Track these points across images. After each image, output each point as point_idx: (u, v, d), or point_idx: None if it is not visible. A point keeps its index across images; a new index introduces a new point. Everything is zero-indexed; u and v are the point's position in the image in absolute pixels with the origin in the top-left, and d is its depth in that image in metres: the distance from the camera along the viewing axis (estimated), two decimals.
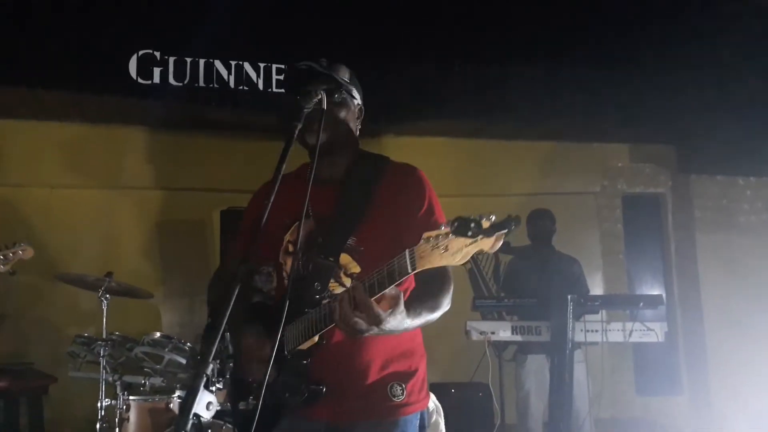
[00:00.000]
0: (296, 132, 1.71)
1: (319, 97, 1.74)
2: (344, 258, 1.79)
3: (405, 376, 1.83)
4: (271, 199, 1.57)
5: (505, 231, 1.34)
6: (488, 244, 1.34)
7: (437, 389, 4.95)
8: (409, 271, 1.44)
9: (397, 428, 1.79)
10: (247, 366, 1.82)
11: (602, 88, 5.75)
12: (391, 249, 1.67)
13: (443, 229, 1.37)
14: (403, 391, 1.80)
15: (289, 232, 1.88)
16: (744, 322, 5.89)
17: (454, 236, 1.35)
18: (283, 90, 5.40)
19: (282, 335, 1.70)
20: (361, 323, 1.50)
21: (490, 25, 5.40)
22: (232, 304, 1.42)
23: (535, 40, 5.38)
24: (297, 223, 1.81)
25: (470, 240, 1.34)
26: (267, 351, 1.70)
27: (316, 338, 1.70)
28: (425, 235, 1.42)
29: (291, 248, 1.86)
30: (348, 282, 1.77)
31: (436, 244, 1.39)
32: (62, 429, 4.51)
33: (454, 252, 1.36)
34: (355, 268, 1.79)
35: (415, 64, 5.58)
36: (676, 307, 6.38)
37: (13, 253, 3.21)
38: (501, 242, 1.35)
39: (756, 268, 6.12)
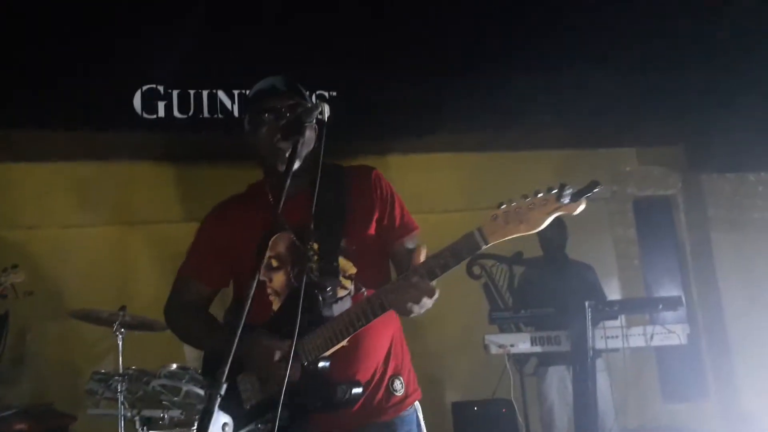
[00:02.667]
0: (299, 145, 1.73)
1: (320, 109, 1.74)
2: (340, 261, 1.83)
3: (401, 369, 1.88)
4: (280, 207, 1.62)
5: (590, 193, 1.55)
6: (574, 208, 1.54)
7: (460, 408, 4.93)
8: (482, 246, 1.60)
9: (402, 427, 1.82)
10: (260, 373, 1.78)
11: (605, 91, 5.73)
12: (378, 245, 1.88)
13: (513, 205, 1.56)
14: (402, 384, 1.85)
15: (268, 248, 1.84)
16: (766, 318, 5.79)
17: (531, 209, 1.54)
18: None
19: (296, 346, 1.71)
20: (424, 300, 1.62)
21: (489, 35, 5.40)
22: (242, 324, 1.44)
23: (534, 47, 5.37)
24: (275, 236, 1.83)
25: (556, 206, 1.52)
26: (279, 350, 1.73)
27: (345, 341, 1.72)
28: (492, 213, 1.60)
29: (275, 263, 1.86)
30: (348, 284, 1.81)
31: (508, 219, 1.56)
32: None
33: (533, 221, 1.54)
34: (352, 269, 1.84)
35: (415, 80, 5.60)
36: (696, 309, 6.29)
37: (5, 278, 3.22)
38: (583, 206, 1.55)
39: None
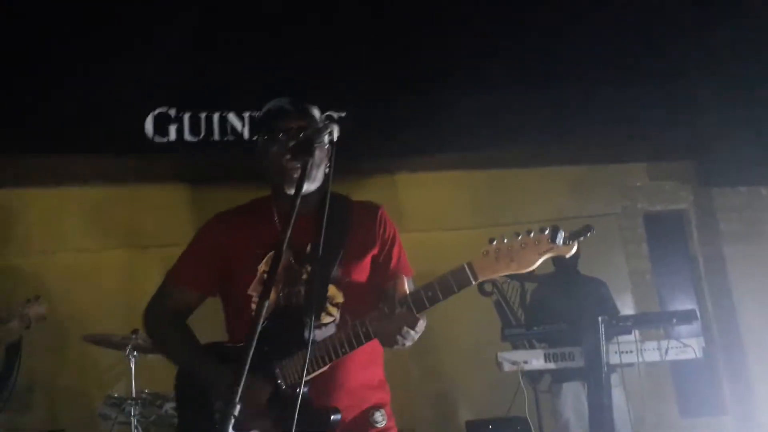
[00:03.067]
0: (309, 166, 1.72)
1: (330, 130, 1.74)
2: (330, 289, 1.84)
3: (382, 404, 1.87)
4: (288, 234, 1.55)
5: (583, 237, 1.56)
6: (567, 250, 1.54)
7: (474, 427, 4.88)
8: (473, 282, 1.61)
9: None
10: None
11: (614, 106, 5.74)
12: (369, 280, 1.90)
13: (505, 242, 1.56)
14: (383, 416, 1.84)
15: (263, 263, 1.86)
16: None
17: (523, 248, 1.54)
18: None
19: (275, 371, 1.73)
20: (408, 332, 1.63)
21: (497, 53, 5.42)
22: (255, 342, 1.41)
23: (542, 62, 5.39)
24: (271, 252, 1.83)
25: (548, 247, 1.53)
26: (262, 387, 1.71)
27: (326, 368, 1.71)
28: (483, 249, 1.59)
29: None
30: (334, 311, 1.82)
31: (499, 257, 1.56)
32: None
33: (524, 260, 1.55)
34: (340, 298, 1.84)
35: (423, 99, 5.62)
36: (711, 323, 6.23)
37: (30, 309, 3.23)
38: (576, 248, 1.55)
39: None
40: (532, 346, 4.18)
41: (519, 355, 3.98)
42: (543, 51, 5.40)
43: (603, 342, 3.64)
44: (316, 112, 1.96)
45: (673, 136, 5.96)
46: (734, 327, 6.09)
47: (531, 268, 1.56)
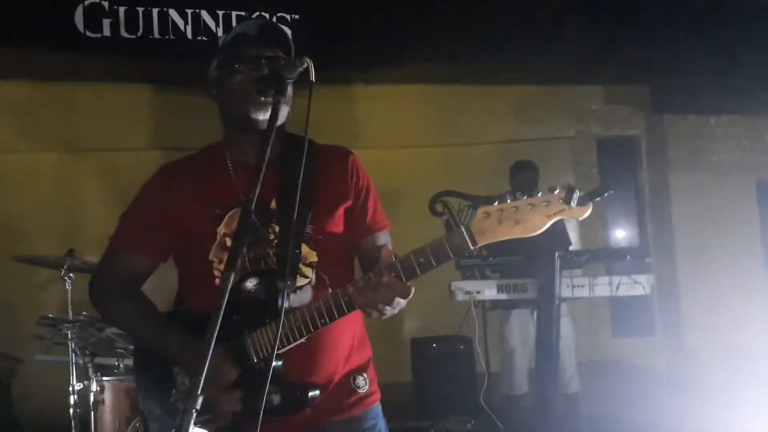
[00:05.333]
0: (279, 107, 1.51)
1: (305, 65, 1.50)
2: (303, 248, 1.65)
3: (364, 366, 1.74)
4: (257, 192, 1.37)
5: (599, 198, 1.40)
6: (582, 212, 1.36)
7: (419, 344, 4.94)
8: (471, 247, 1.42)
9: (367, 421, 1.71)
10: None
11: (576, 28, 5.58)
12: (344, 235, 1.71)
13: (509, 202, 1.37)
14: (365, 381, 1.72)
15: (223, 224, 1.64)
16: (716, 261, 5.95)
17: (530, 210, 1.36)
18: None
19: (246, 342, 1.56)
20: (398, 301, 1.46)
21: None
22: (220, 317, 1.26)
23: None
24: (231, 212, 1.63)
25: (560, 208, 1.35)
26: (231, 366, 1.55)
27: (303, 339, 1.54)
28: (483, 210, 1.39)
29: (230, 243, 1.63)
30: (308, 272, 1.64)
31: (502, 218, 1.37)
32: (32, 415, 4.33)
33: (532, 223, 1.37)
34: (314, 257, 1.66)
35: (383, 7, 5.31)
36: (649, 249, 6.40)
37: None
38: (590, 210, 1.38)
39: (727, 206, 6.16)
40: (483, 276, 4.17)
41: (472, 285, 3.97)
42: None
43: (558, 277, 3.65)
44: (287, 41, 1.69)
45: (631, 61, 5.87)
46: (671, 254, 6.28)
47: (538, 232, 1.38)
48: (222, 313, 1.27)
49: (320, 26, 5.31)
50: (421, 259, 1.43)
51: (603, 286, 3.88)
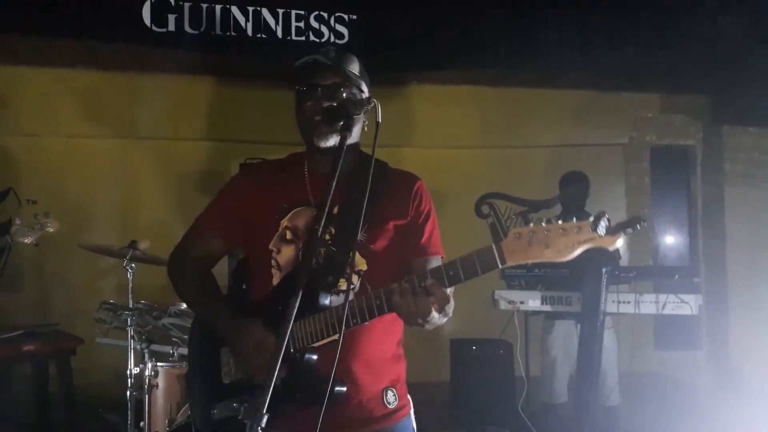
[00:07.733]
0: (345, 141, 1.62)
1: (372, 105, 1.62)
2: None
3: (395, 382, 1.81)
4: (329, 201, 1.51)
5: (631, 230, 1.35)
6: (611, 242, 1.36)
7: (458, 345, 4.96)
8: (499, 265, 1.44)
9: None
10: (246, 365, 1.71)
11: (634, 35, 5.51)
12: (396, 251, 1.79)
13: (542, 225, 1.39)
14: (395, 396, 1.79)
15: (287, 218, 1.78)
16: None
17: (562, 235, 1.37)
18: (302, 38, 5.22)
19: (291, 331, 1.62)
20: (433, 308, 1.50)
21: None
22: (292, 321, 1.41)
23: None
24: (297, 209, 1.77)
25: (589, 236, 1.35)
26: (270, 348, 1.62)
27: (336, 336, 1.60)
28: (515, 230, 1.42)
29: (289, 235, 1.77)
30: (355, 279, 1.73)
31: (533, 240, 1.39)
32: (90, 392, 4.55)
33: (561, 248, 1.38)
34: (363, 266, 1.74)
35: (439, 11, 5.33)
36: (700, 262, 6.30)
37: (41, 225, 3.12)
38: (621, 241, 1.38)
39: None
40: (528, 286, 4.18)
41: (516, 295, 3.99)
42: None
43: (604, 293, 3.64)
44: (355, 68, 1.78)
45: (691, 70, 5.76)
46: (721, 268, 6.17)
47: (568, 258, 1.40)
48: (293, 320, 1.43)
49: (377, 26, 5.37)
50: (451, 272, 1.49)
51: (649, 304, 3.85)
